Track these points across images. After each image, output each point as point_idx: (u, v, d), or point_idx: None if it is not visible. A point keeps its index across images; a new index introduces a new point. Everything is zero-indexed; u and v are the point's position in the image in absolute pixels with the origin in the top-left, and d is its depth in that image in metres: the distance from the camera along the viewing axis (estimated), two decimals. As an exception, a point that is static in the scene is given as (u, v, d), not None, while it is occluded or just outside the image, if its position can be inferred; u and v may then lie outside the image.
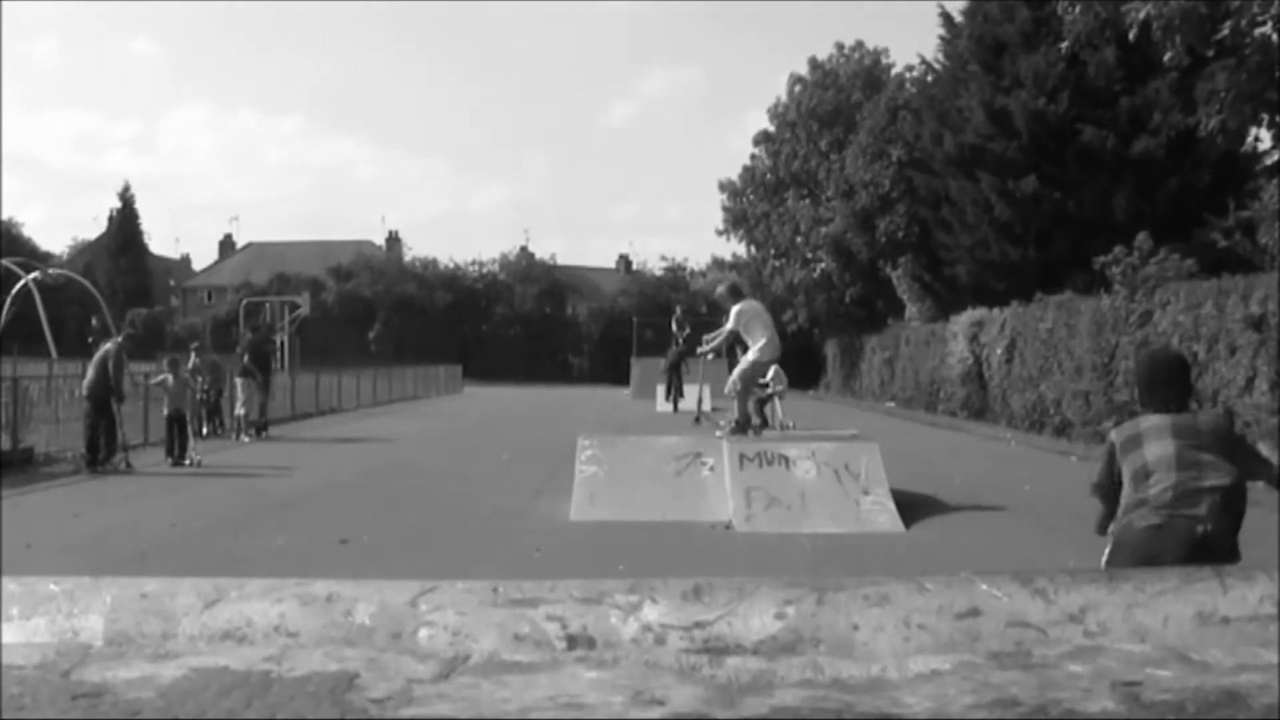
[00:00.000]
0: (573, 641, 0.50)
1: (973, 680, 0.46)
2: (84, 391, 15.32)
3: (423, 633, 0.51)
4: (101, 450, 14.78)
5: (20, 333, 37.18)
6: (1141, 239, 19.08)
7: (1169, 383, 4.63)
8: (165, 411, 15.98)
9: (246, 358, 20.52)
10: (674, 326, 40.17)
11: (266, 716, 0.43)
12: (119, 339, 16.37)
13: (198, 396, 18.89)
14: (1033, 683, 0.46)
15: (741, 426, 11.79)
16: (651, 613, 0.51)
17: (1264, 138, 23.41)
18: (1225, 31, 13.06)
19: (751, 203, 48.13)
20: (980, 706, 0.44)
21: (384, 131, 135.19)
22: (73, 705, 0.43)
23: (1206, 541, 4.17)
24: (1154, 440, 4.35)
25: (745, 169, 48.99)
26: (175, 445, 15.67)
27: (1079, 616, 0.52)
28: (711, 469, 10.99)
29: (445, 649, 0.50)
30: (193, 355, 20.04)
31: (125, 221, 75.93)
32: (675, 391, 26.23)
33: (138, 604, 0.53)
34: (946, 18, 31.12)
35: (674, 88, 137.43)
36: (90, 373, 15.42)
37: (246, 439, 19.29)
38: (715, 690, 0.45)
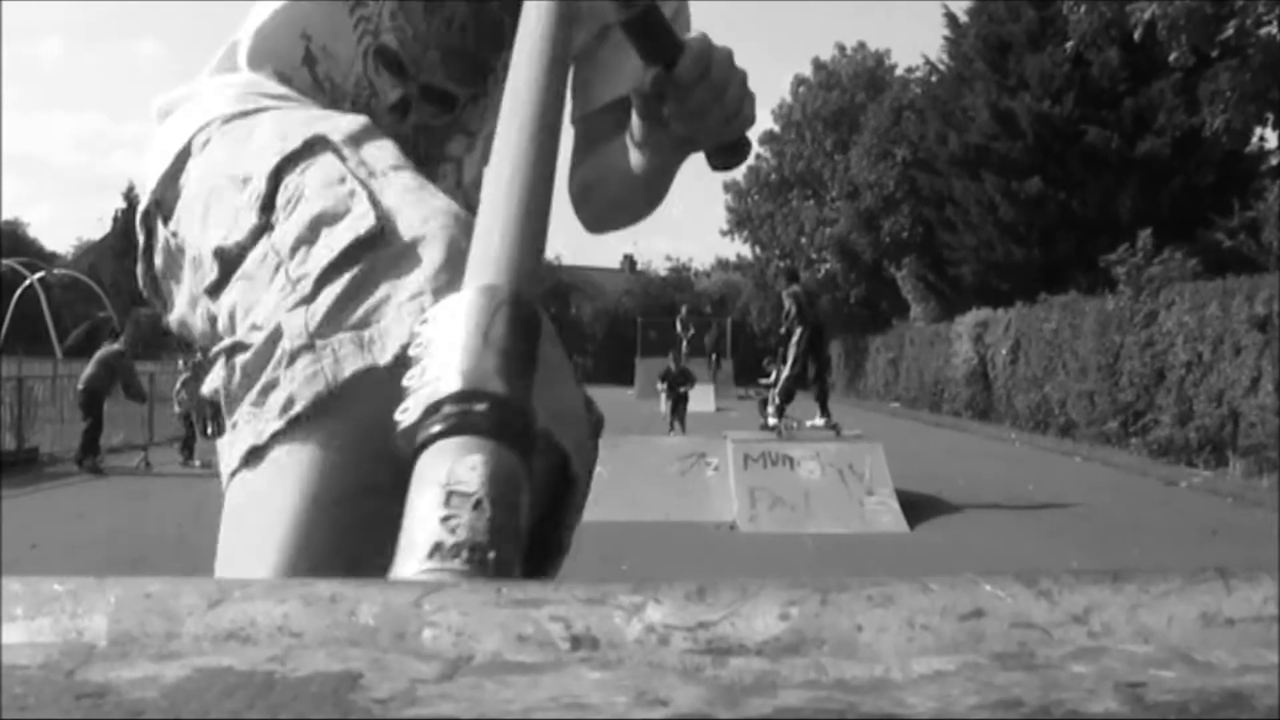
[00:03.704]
0: (576, 642, 0.50)
1: (976, 681, 0.46)
2: (80, 385, 15.24)
3: (426, 633, 0.51)
4: (80, 450, 14.69)
5: (25, 332, 37.24)
6: (1144, 238, 19.09)
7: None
8: (179, 409, 15.95)
9: None
10: (678, 327, 40.28)
11: (270, 716, 0.42)
12: (122, 338, 16.35)
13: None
14: (1036, 683, 0.46)
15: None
16: (655, 613, 0.51)
17: (1269, 137, 23.42)
18: (1229, 31, 13.06)
19: (756, 203, 48.17)
20: (984, 707, 0.44)
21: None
22: (76, 705, 0.43)
23: None
24: None
25: (750, 169, 49.02)
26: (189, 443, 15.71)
27: (1083, 617, 0.52)
28: (715, 469, 10.99)
29: (449, 649, 0.50)
30: (198, 354, 19.98)
31: (130, 222, 75.96)
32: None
33: (142, 604, 0.53)
34: (951, 18, 31.15)
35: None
36: (88, 369, 15.35)
37: None
38: (719, 691, 0.45)
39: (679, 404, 19.72)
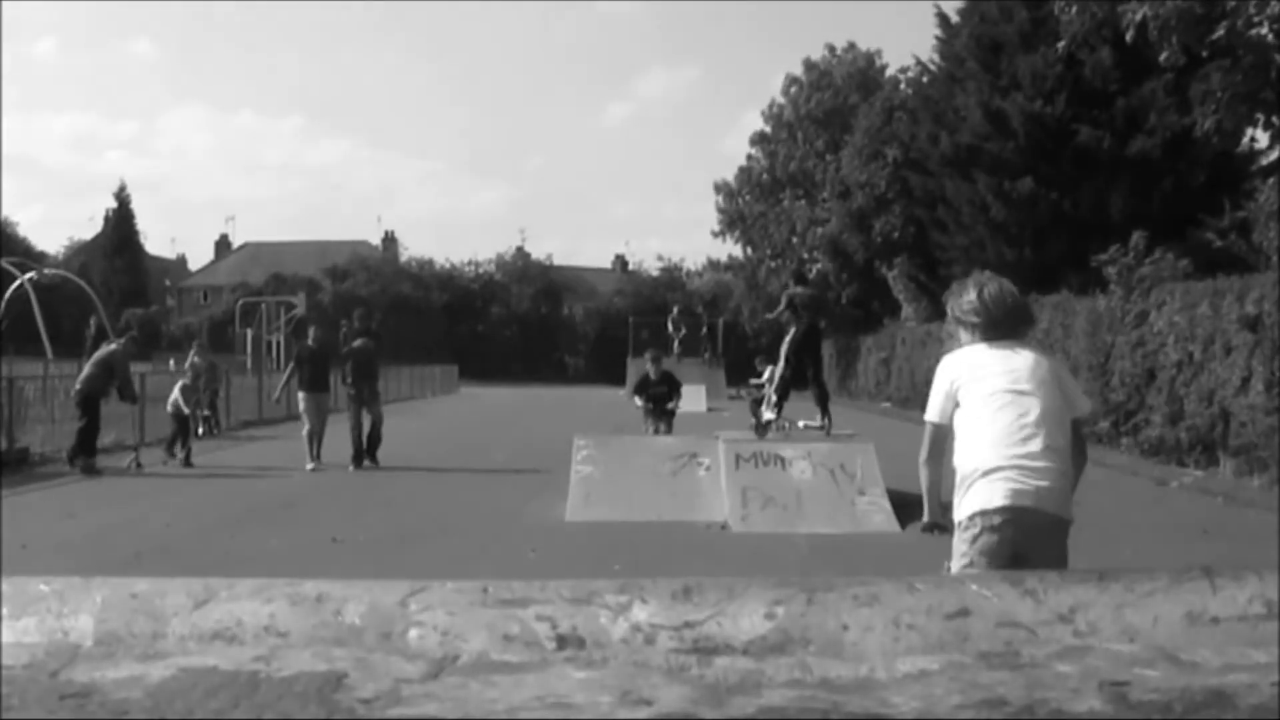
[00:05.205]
0: (562, 641, 0.50)
1: (960, 680, 0.46)
2: (76, 386, 15.24)
3: (412, 633, 0.51)
4: (74, 449, 14.58)
5: (16, 333, 37.10)
6: (1136, 238, 19.10)
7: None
8: (170, 409, 15.88)
9: (348, 366, 16.18)
10: (670, 327, 40.26)
11: (254, 716, 0.42)
12: (123, 340, 16.35)
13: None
14: (1020, 682, 0.46)
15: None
16: (641, 613, 0.51)
17: (1260, 138, 23.45)
18: (1220, 32, 13.08)
19: (748, 203, 48.18)
20: (968, 706, 0.44)
21: (381, 132, 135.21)
22: (60, 705, 0.43)
23: None
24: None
25: (741, 170, 49.04)
26: (178, 442, 15.64)
27: (1069, 616, 0.52)
28: (707, 469, 10.99)
29: (435, 649, 0.50)
30: (193, 354, 19.93)
31: (121, 221, 75.79)
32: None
33: (128, 604, 0.53)
34: (943, 18, 31.16)
35: (670, 88, 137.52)
36: (86, 369, 15.38)
37: (311, 465, 15.15)
38: (703, 690, 0.45)
39: (663, 419, 15.46)
